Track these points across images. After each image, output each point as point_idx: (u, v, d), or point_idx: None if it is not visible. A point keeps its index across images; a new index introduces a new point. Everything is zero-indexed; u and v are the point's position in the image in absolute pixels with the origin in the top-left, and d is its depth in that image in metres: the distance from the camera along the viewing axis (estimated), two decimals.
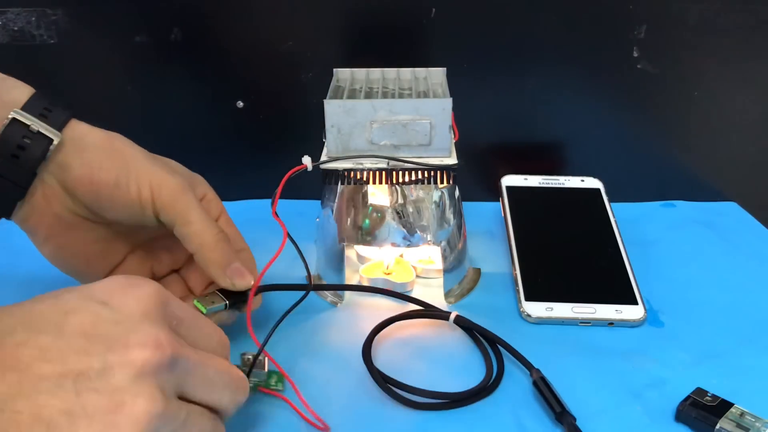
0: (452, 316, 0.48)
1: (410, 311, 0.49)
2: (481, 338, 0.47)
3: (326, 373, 0.45)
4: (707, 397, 0.41)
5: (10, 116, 0.41)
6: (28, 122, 0.41)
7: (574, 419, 0.40)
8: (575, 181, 0.64)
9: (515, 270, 0.54)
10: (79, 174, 0.42)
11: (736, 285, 0.55)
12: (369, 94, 0.51)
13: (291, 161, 0.46)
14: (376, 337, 0.46)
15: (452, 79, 0.54)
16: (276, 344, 0.48)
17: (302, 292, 0.46)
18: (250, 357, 0.41)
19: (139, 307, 0.31)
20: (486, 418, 0.42)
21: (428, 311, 0.50)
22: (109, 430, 0.27)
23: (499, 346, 0.46)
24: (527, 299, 0.51)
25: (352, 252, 0.56)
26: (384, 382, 0.43)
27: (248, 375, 0.40)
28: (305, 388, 0.42)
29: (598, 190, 0.63)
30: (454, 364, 0.46)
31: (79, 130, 0.43)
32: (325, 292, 0.53)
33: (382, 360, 0.45)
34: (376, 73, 0.56)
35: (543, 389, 0.42)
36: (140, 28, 0.62)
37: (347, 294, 0.53)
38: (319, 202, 0.55)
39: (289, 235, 0.43)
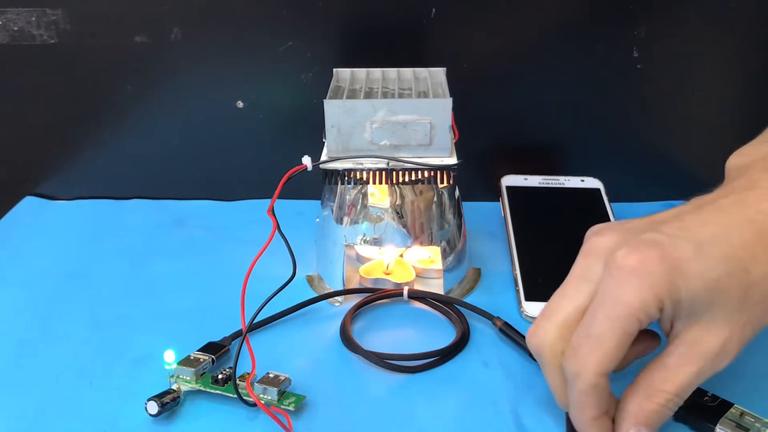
0: (405, 292, 0.51)
1: (366, 298, 0.51)
2: (439, 303, 0.51)
3: (321, 366, 0.46)
4: (707, 397, 0.41)
5: None
6: None
7: None
8: (575, 181, 0.64)
9: (515, 270, 0.54)
10: None
11: None
12: (369, 94, 0.51)
13: (291, 161, 0.46)
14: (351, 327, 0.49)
15: (452, 79, 0.54)
16: (276, 344, 0.48)
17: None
18: (276, 375, 0.42)
19: None
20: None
21: (382, 293, 0.52)
22: None
23: (458, 306, 0.50)
24: (527, 299, 0.51)
25: (352, 252, 0.56)
26: (375, 356, 0.45)
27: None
28: (302, 383, 0.42)
29: (598, 190, 0.63)
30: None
31: None
32: (325, 291, 0.53)
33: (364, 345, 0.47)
34: (376, 73, 0.56)
35: (509, 332, 0.47)
36: (140, 28, 0.62)
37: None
38: (319, 202, 0.55)
39: (279, 229, 0.43)
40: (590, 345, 0.35)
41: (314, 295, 0.52)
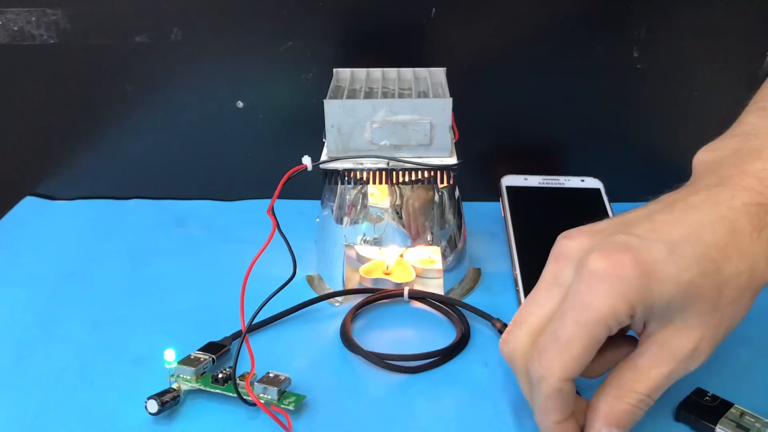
0: (405, 292, 0.51)
1: (366, 298, 0.51)
2: (439, 304, 0.51)
3: (321, 366, 0.46)
4: (707, 397, 0.41)
5: None
6: None
7: None
8: (575, 181, 0.64)
9: (515, 270, 0.54)
10: None
11: None
12: (369, 94, 0.51)
13: (291, 161, 0.46)
14: (351, 327, 0.49)
15: (452, 79, 0.54)
16: (276, 344, 0.48)
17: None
18: (276, 375, 0.42)
19: None
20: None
21: (382, 293, 0.52)
22: None
23: (459, 307, 0.50)
24: None
25: (352, 252, 0.56)
26: (375, 357, 0.45)
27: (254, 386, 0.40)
28: (302, 383, 0.42)
29: (598, 190, 0.63)
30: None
31: None
32: (325, 291, 0.53)
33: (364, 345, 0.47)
34: (376, 73, 0.56)
35: None
36: (140, 28, 0.62)
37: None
38: (319, 202, 0.55)
39: (278, 229, 0.43)
40: (556, 349, 0.34)
41: (314, 295, 0.52)
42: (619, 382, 0.35)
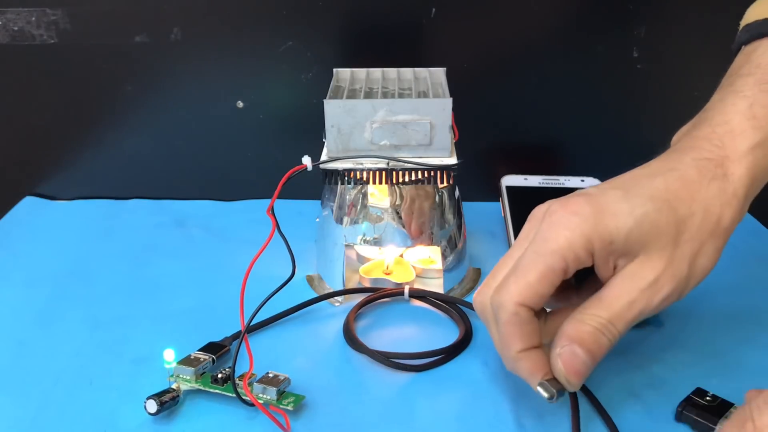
0: (406, 291, 0.51)
1: (367, 297, 0.51)
2: (440, 302, 0.51)
3: (322, 366, 0.46)
4: (707, 397, 0.41)
5: None
6: None
7: None
8: (575, 181, 0.64)
9: None
10: None
11: (736, 285, 0.55)
12: (369, 94, 0.51)
13: (291, 161, 0.46)
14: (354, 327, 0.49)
15: (452, 79, 0.54)
16: (276, 344, 0.48)
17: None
18: (275, 375, 0.42)
19: None
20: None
21: (383, 292, 0.52)
22: None
23: (460, 306, 0.50)
24: None
25: (352, 252, 0.56)
26: (381, 355, 0.45)
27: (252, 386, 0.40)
28: (302, 382, 0.42)
29: None
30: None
31: None
32: (325, 291, 0.53)
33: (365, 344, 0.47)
34: (376, 73, 0.56)
35: None
36: (140, 28, 0.62)
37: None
38: (319, 202, 0.55)
39: (278, 228, 0.43)
40: (513, 277, 0.37)
41: (314, 295, 0.52)
42: (584, 309, 0.37)
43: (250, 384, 0.41)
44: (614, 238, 0.36)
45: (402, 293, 0.52)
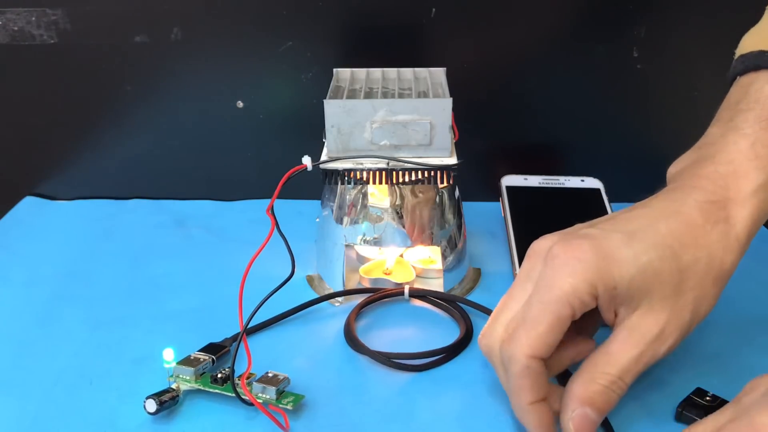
0: (406, 290, 0.51)
1: (368, 297, 0.51)
2: (440, 301, 0.51)
3: (322, 366, 0.46)
4: (707, 397, 0.41)
5: None
6: None
7: None
8: (575, 181, 0.64)
9: (515, 270, 0.54)
10: None
11: (736, 285, 0.54)
12: (369, 94, 0.51)
13: (291, 161, 0.46)
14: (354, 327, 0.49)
15: (452, 79, 0.54)
16: (277, 344, 0.48)
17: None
18: (275, 374, 0.42)
19: None
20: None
21: (384, 292, 0.52)
22: None
23: (461, 304, 0.50)
24: None
25: (352, 252, 0.56)
26: (382, 356, 0.45)
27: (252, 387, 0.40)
28: (303, 383, 0.42)
29: (598, 190, 0.63)
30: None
31: None
32: (325, 291, 0.53)
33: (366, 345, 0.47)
34: (376, 73, 0.56)
35: None
36: (140, 28, 0.62)
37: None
38: (319, 202, 0.55)
39: (278, 227, 0.43)
40: (523, 329, 0.37)
41: (314, 295, 0.52)
42: (592, 366, 0.37)
43: (249, 383, 0.41)
44: (617, 285, 0.36)
45: (402, 293, 0.52)
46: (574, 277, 0.36)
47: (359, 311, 0.50)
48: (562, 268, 0.36)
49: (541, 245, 0.39)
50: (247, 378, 0.41)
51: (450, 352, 0.46)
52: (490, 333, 0.39)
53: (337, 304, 0.52)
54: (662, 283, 0.36)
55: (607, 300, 0.37)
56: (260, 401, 0.40)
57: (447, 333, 0.49)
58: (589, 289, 0.36)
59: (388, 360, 0.45)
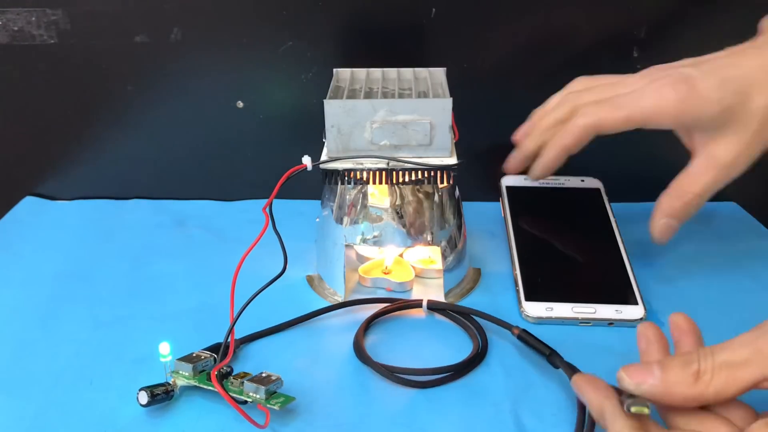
0: (424, 303, 0.50)
1: (385, 307, 0.50)
2: (457, 315, 0.50)
3: (324, 370, 0.45)
4: None
5: None
6: None
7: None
8: (575, 181, 0.64)
9: (515, 270, 0.54)
10: None
11: (736, 285, 0.55)
12: (369, 94, 0.51)
13: (291, 161, 0.46)
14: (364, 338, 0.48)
15: (452, 79, 0.54)
16: (278, 348, 0.48)
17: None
18: (268, 375, 0.42)
19: None
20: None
21: (402, 303, 0.51)
22: None
23: (475, 317, 0.49)
24: (527, 299, 0.51)
25: (352, 252, 0.56)
26: (387, 370, 0.44)
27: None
28: (303, 388, 0.42)
29: (598, 190, 0.63)
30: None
31: None
32: (325, 291, 0.53)
33: (374, 356, 0.46)
34: (376, 73, 0.56)
35: (528, 339, 0.46)
36: (140, 28, 0.62)
37: (347, 293, 0.53)
38: (319, 202, 0.55)
39: (273, 225, 0.43)
40: (602, 105, 0.48)
41: (314, 295, 0.52)
42: (678, 186, 0.48)
43: (224, 376, 0.42)
44: (702, 118, 0.45)
45: (420, 305, 0.51)
46: (666, 101, 0.45)
47: (373, 320, 0.49)
48: (658, 90, 0.46)
49: (646, 70, 0.48)
50: (236, 376, 0.42)
51: (458, 371, 0.45)
52: (573, 85, 0.52)
53: (338, 298, 0.52)
54: (737, 122, 0.45)
55: (688, 128, 0.47)
56: (250, 400, 0.40)
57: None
58: (676, 113, 0.46)
59: (392, 374, 0.44)
